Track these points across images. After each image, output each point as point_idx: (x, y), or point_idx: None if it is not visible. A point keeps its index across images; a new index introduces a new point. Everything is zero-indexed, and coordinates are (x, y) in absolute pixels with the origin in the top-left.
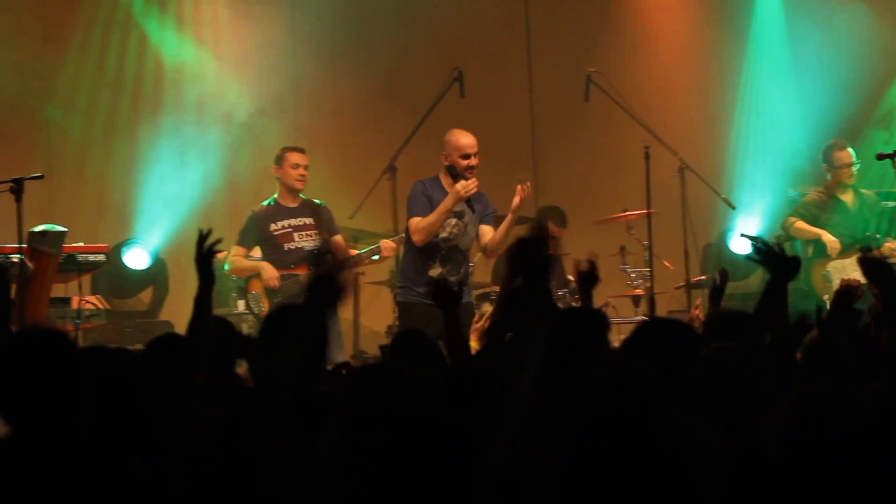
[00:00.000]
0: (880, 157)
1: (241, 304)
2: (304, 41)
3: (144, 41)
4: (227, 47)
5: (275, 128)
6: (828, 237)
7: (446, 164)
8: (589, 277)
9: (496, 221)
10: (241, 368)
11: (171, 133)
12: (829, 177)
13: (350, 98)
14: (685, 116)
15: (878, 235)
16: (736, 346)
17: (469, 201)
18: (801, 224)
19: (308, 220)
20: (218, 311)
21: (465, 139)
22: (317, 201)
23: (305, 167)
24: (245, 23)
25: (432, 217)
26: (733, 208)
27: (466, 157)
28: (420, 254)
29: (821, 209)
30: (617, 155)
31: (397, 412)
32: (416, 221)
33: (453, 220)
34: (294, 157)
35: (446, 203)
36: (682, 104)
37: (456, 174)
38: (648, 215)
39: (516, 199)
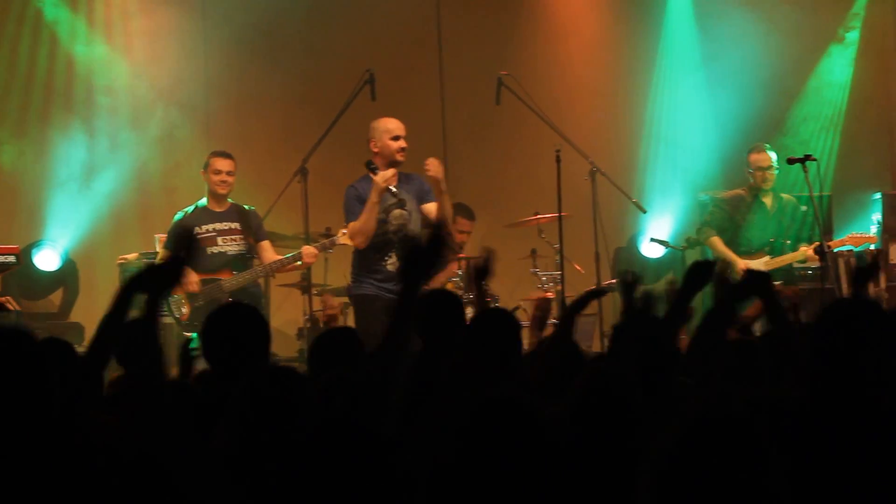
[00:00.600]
0: (791, 161)
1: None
2: (215, 42)
3: (55, 41)
4: (138, 48)
5: (185, 129)
6: (739, 266)
7: (375, 150)
8: (482, 271)
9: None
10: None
11: (82, 133)
12: (751, 179)
13: (261, 100)
14: (596, 119)
15: (789, 241)
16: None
17: (391, 190)
18: (715, 240)
19: (234, 225)
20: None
21: (393, 122)
22: (246, 206)
23: (228, 173)
24: (156, 23)
25: (363, 217)
26: (644, 212)
27: (397, 138)
28: (374, 251)
29: (736, 208)
30: (528, 158)
31: (294, 414)
32: (354, 227)
33: (398, 212)
34: (217, 163)
35: (371, 198)
36: (593, 107)
37: (373, 168)
38: (560, 218)
39: (431, 172)
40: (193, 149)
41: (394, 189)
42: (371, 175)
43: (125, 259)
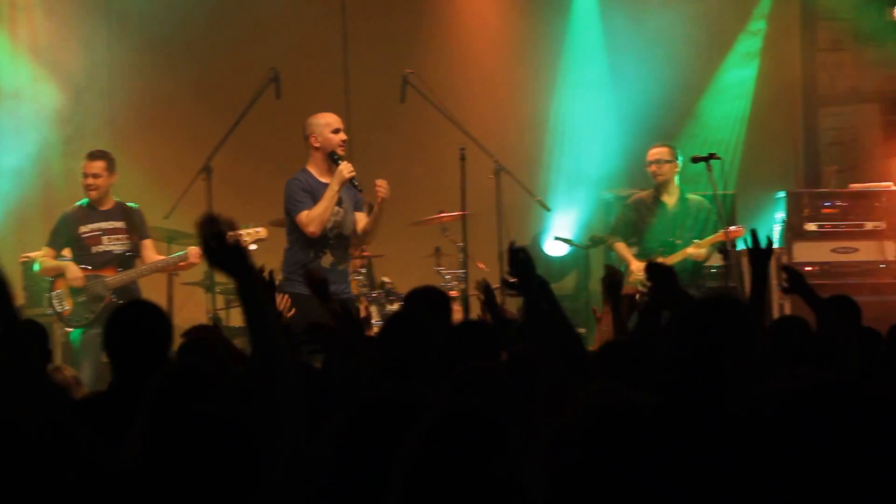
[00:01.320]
0: (695, 159)
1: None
2: (119, 40)
3: None
4: (42, 43)
5: (89, 127)
6: (634, 266)
7: (316, 145)
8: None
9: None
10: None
11: None
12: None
13: (166, 97)
14: (501, 118)
15: (680, 241)
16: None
17: (353, 182)
18: (619, 246)
19: (119, 224)
20: (31, 312)
21: (331, 116)
22: (130, 204)
23: (94, 175)
24: (59, 22)
25: (322, 205)
26: (548, 210)
27: (337, 131)
28: (308, 247)
29: (638, 211)
30: (433, 156)
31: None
32: (306, 214)
33: (335, 208)
34: (84, 166)
35: (333, 187)
36: (498, 106)
37: (336, 158)
38: (464, 217)
39: (381, 192)
40: (97, 149)
41: (356, 182)
42: (335, 165)
43: (28, 257)
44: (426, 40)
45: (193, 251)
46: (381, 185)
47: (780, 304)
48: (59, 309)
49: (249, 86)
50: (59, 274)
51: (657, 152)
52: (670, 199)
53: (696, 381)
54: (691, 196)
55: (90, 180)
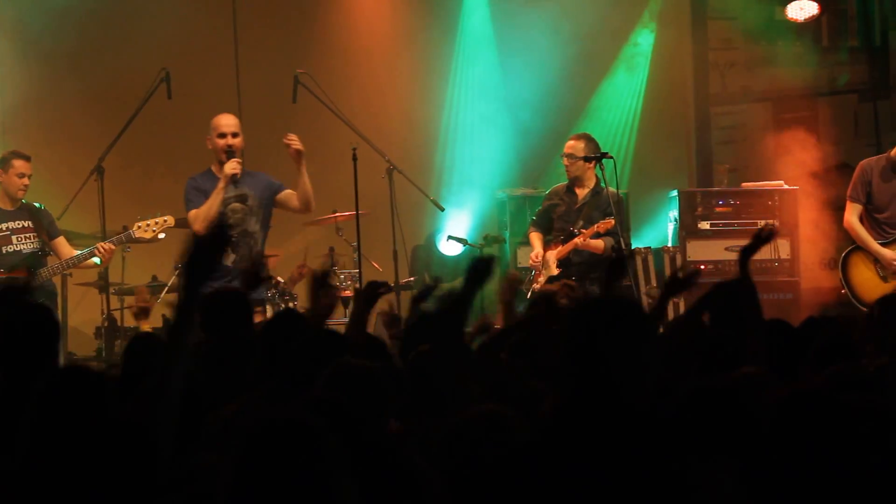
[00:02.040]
0: (587, 159)
1: None
2: (7, 37)
3: None
4: None
5: None
6: (548, 256)
7: (210, 147)
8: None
9: None
10: None
11: None
12: None
13: (57, 97)
14: (394, 117)
15: (579, 232)
16: (434, 349)
17: (236, 180)
18: (533, 236)
19: (26, 223)
20: None
21: (220, 119)
22: (36, 204)
23: (29, 176)
24: None
25: (207, 203)
26: (442, 209)
27: (222, 136)
28: None
29: (551, 199)
30: (325, 156)
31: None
32: (194, 213)
33: (237, 206)
34: (21, 166)
35: (218, 186)
36: (390, 105)
37: (224, 160)
38: (357, 216)
39: (294, 145)
40: (10, 150)
41: (237, 178)
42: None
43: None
44: (317, 40)
45: (103, 246)
46: (292, 139)
47: (675, 303)
48: None
49: (142, 86)
50: None
51: (567, 146)
52: (581, 191)
53: (587, 378)
54: (609, 189)
55: (26, 181)
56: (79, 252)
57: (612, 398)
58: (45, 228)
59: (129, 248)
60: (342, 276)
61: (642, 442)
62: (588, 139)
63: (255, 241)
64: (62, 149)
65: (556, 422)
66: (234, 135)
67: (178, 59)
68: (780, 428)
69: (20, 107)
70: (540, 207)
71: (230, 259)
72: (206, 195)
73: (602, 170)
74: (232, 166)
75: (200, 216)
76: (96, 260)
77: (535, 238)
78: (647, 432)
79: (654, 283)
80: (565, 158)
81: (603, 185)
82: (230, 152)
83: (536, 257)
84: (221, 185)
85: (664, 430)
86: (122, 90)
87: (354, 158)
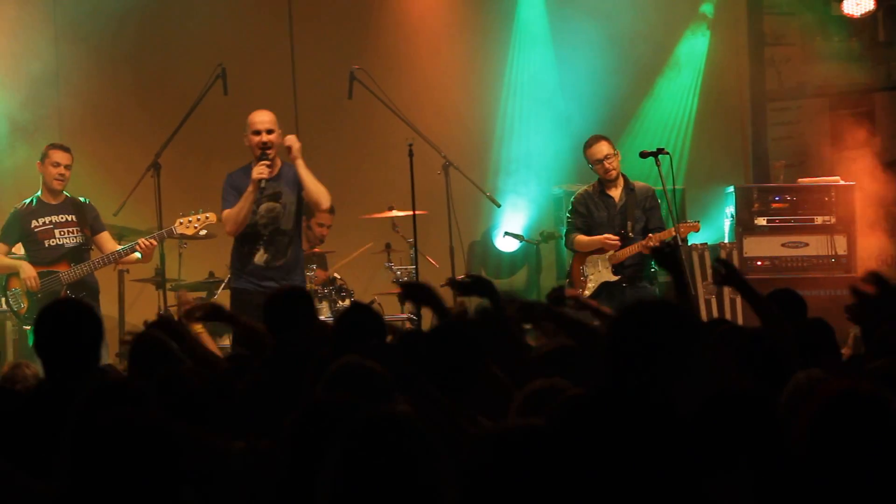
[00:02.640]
0: (643, 154)
1: (2, 302)
2: (66, 33)
3: None
4: None
5: (37, 123)
6: (609, 242)
7: (246, 145)
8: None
9: None
10: None
11: None
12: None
13: (114, 94)
14: (450, 114)
15: (632, 234)
16: None
17: (261, 184)
18: (580, 238)
19: (70, 217)
20: None
21: (256, 116)
22: (81, 199)
23: (66, 167)
24: (6, 13)
25: (238, 206)
26: (498, 205)
27: (257, 133)
28: (243, 242)
29: (586, 206)
30: (382, 152)
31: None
32: (226, 213)
33: (270, 205)
34: (56, 156)
35: (249, 188)
36: (446, 101)
37: (260, 158)
38: (413, 212)
39: (286, 143)
40: (48, 143)
41: (262, 184)
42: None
43: None
44: (373, 36)
45: (143, 242)
46: (290, 141)
47: (732, 300)
48: (15, 308)
49: (198, 81)
50: (13, 272)
51: (599, 149)
52: (615, 192)
53: (630, 376)
54: (638, 184)
55: (62, 170)
56: (120, 247)
57: (640, 398)
58: (88, 223)
59: (185, 244)
60: (398, 273)
61: (659, 444)
62: (607, 138)
63: (289, 240)
64: (119, 145)
65: (571, 413)
66: (269, 131)
67: (234, 55)
68: (822, 431)
69: (79, 103)
70: (572, 213)
71: (261, 258)
72: (240, 194)
73: (658, 166)
74: (259, 171)
75: (230, 218)
76: (138, 255)
77: (585, 236)
78: (667, 435)
79: (710, 279)
80: (614, 159)
81: (630, 178)
82: (265, 149)
83: (609, 239)
84: (250, 188)
85: (684, 434)
86: (178, 86)
87: (411, 154)
